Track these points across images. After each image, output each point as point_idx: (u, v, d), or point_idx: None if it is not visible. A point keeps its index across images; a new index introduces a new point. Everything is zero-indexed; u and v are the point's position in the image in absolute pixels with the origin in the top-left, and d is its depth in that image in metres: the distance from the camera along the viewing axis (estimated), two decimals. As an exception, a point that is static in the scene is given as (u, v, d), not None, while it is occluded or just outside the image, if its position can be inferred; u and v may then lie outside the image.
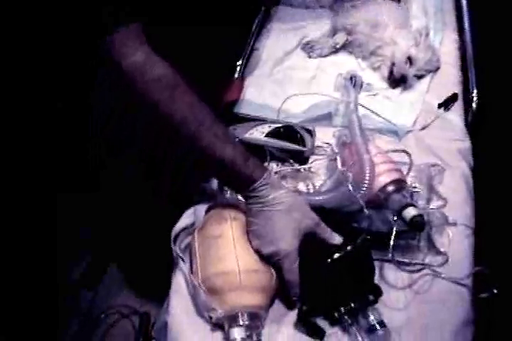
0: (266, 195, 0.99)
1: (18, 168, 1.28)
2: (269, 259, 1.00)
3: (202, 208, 1.11)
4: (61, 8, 0.91)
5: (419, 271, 1.11)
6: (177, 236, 1.11)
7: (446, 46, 1.70)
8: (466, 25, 1.77)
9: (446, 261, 1.11)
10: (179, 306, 1.05)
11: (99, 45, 0.91)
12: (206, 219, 1.09)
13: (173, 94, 0.94)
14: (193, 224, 1.11)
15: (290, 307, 1.05)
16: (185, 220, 1.12)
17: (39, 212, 1.41)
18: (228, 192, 1.15)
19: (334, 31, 1.70)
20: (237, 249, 1.01)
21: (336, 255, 1.00)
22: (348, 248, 1.01)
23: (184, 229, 1.12)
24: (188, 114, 0.95)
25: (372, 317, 0.99)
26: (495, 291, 1.07)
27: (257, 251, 1.01)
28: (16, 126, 1.22)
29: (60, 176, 1.39)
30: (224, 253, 1.01)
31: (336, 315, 1.00)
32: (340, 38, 1.66)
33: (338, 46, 1.66)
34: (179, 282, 1.08)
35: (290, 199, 1.00)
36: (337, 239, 1.04)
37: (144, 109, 0.98)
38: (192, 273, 1.05)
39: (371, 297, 1.01)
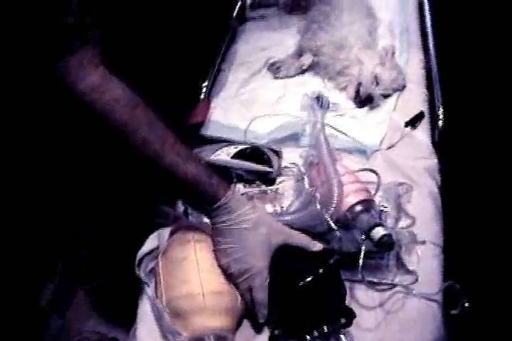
0: (231, 212, 0.99)
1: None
2: (238, 278, 1.00)
3: (165, 232, 1.10)
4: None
5: (389, 289, 1.12)
6: (141, 260, 1.11)
7: (412, 65, 1.73)
8: (431, 44, 1.81)
9: (416, 280, 1.12)
10: (145, 331, 1.05)
11: (53, 69, 0.91)
12: (170, 242, 1.09)
13: (132, 113, 0.94)
14: (157, 248, 1.11)
15: (258, 330, 1.04)
16: (149, 244, 1.11)
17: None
18: (193, 215, 1.16)
19: (300, 52, 1.72)
20: (200, 271, 1.01)
21: (308, 278, 1.00)
22: (320, 270, 1.02)
23: (149, 253, 1.11)
24: (149, 134, 0.95)
25: (344, 340, 0.99)
26: (466, 305, 1.08)
27: (225, 271, 1.01)
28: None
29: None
30: (188, 275, 1.01)
31: (308, 338, 0.99)
32: (307, 59, 1.68)
33: (304, 67, 1.68)
34: (145, 307, 1.08)
35: (256, 215, 1.01)
36: (317, 245, 1.05)
37: (104, 131, 0.97)
38: (156, 297, 1.04)
39: (343, 320, 1.01)
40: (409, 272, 1.14)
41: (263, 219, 1.02)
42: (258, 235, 1.00)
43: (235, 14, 1.92)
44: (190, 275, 1.00)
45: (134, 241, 1.16)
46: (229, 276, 1.01)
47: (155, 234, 1.13)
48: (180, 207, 1.22)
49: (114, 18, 1.05)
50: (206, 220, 1.06)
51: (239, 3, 1.94)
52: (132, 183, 1.32)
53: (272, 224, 1.03)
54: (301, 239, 1.04)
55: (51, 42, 0.90)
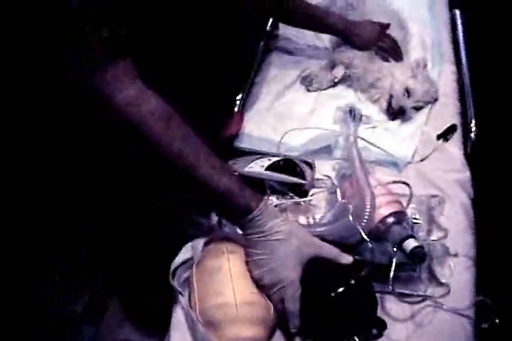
0: (263, 224, 1.01)
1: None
2: (271, 289, 1.02)
3: (199, 242, 1.13)
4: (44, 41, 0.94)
5: (420, 302, 1.13)
6: (176, 270, 1.13)
7: (444, 78, 1.73)
8: (463, 57, 1.82)
9: (448, 292, 1.13)
10: (179, 340, 1.07)
11: (86, 81, 0.94)
12: (204, 253, 1.11)
13: (167, 126, 0.97)
14: (191, 259, 1.13)
15: (290, 340, 1.06)
16: (183, 255, 1.14)
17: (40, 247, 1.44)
18: (227, 226, 1.18)
19: (332, 65, 1.73)
20: (234, 281, 1.02)
21: (340, 289, 1.02)
22: (352, 281, 1.03)
23: (183, 263, 1.14)
24: (184, 146, 0.98)
25: (375, 351, 1.01)
26: (497, 321, 1.08)
27: (258, 282, 1.03)
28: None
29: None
30: (221, 286, 1.03)
31: (340, 349, 1.00)
32: (339, 72, 1.69)
33: (336, 80, 1.69)
34: (179, 316, 1.10)
35: (288, 227, 1.03)
36: (346, 258, 1.05)
37: (139, 144, 1.00)
38: (190, 306, 1.06)
39: (375, 331, 1.02)
40: (440, 284, 1.15)
41: (295, 231, 1.03)
42: (290, 247, 1.01)
43: (268, 28, 1.94)
44: (224, 285, 1.03)
45: (169, 251, 1.19)
46: (261, 287, 1.03)
47: (189, 244, 1.16)
48: (215, 218, 1.24)
49: (148, 30, 1.07)
50: (240, 231, 1.08)
51: (271, 19, 1.96)
52: (165, 193, 1.34)
53: (303, 236, 1.04)
54: (332, 252, 1.05)
55: (86, 54, 0.93)
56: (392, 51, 1.71)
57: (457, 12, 2.01)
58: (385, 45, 1.70)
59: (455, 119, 1.59)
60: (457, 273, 1.17)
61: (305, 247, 1.03)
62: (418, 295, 1.14)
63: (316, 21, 1.70)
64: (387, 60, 1.68)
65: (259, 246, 1.02)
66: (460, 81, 1.74)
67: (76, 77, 0.96)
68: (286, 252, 1.01)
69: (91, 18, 0.92)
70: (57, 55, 0.96)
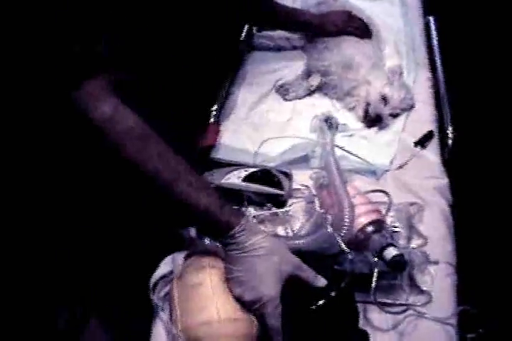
0: (244, 240, 1.00)
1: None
2: (251, 306, 1.01)
3: (180, 256, 1.12)
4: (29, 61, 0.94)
5: (403, 311, 1.13)
6: (156, 285, 1.12)
7: (420, 84, 1.74)
8: (438, 63, 1.82)
9: (430, 300, 1.13)
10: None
11: (66, 97, 0.93)
12: (185, 267, 1.10)
13: (143, 144, 0.97)
14: (171, 273, 1.12)
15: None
16: (163, 268, 1.13)
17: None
18: (207, 239, 1.17)
19: (308, 73, 1.73)
20: (216, 297, 1.01)
21: (321, 301, 1.01)
22: (332, 293, 1.03)
23: (163, 277, 1.12)
24: (161, 164, 0.97)
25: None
26: (481, 331, 1.08)
27: (239, 299, 1.01)
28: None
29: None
30: (204, 302, 1.01)
31: (322, 362, 1.00)
32: (315, 80, 1.70)
33: (312, 88, 1.70)
34: (159, 331, 1.09)
35: (269, 244, 1.02)
36: (321, 281, 1.05)
37: (116, 161, 0.99)
38: (171, 321, 1.05)
39: (358, 342, 1.02)
40: (422, 292, 1.15)
41: (275, 248, 1.03)
42: (270, 263, 1.00)
43: (243, 37, 1.94)
44: (207, 301, 1.01)
45: (147, 265, 1.17)
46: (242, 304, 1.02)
47: (169, 258, 1.15)
48: (193, 230, 1.23)
49: (124, 46, 1.06)
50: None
51: (246, 26, 1.96)
52: (144, 207, 1.33)
53: (283, 253, 1.03)
54: (308, 273, 1.04)
55: (62, 70, 0.93)
56: (363, 31, 1.78)
57: (431, 19, 2.02)
58: (356, 24, 1.78)
59: (432, 126, 1.59)
60: (439, 281, 1.17)
61: (285, 264, 1.02)
62: (400, 304, 1.14)
63: (291, 20, 1.76)
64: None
65: (239, 262, 1.01)
66: (436, 87, 1.75)
67: (59, 94, 0.96)
68: (266, 269, 1.00)
69: (69, 33, 0.92)
70: (37, 70, 0.95)
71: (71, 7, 0.92)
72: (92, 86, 0.94)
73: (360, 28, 1.78)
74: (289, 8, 1.77)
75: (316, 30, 1.78)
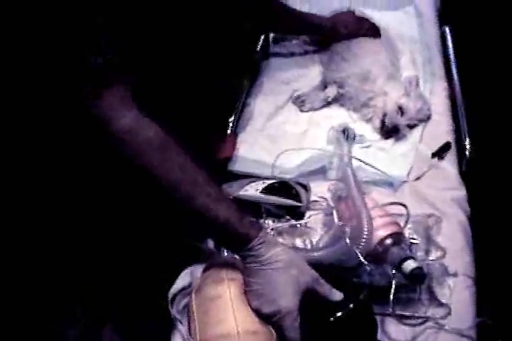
0: (263, 253, 1.01)
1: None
2: (270, 319, 1.01)
3: (198, 268, 1.13)
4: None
5: (421, 324, 1.13)
6: (174, 297, 1.13)
7: (437, 95, 1.74)
8: (455, 74, 1.83)
9: (449, 312, 1.13)
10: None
11: (84, 109, 0.95)
12: (203, 279, 1.11)
13: (164, 155, 0.98)
14: (190, 285, 1.13)
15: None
16: (181, 281, 1.14)
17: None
18: (225, 251, 1.18)
19: (325, 84, 1.74)
20: (235, 310, 1.02)
21: (339, 313, 1.02)
22: (351, 305, 1.03)
23: (181, 290, 1.13)
24: (181, 175, 0.98)
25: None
26: (499, 341, 1.08)
27: (257, 311, 1.02)
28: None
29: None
30: (222, 314, 1.02)
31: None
32: (331, 91, 1.70)
33: (329, 99, 1.70)
34: (178, 345, 1.10)
35: (287, 257, 1.02)
36: (337, 295, 1.05)
37: (136, 172, 1.00)
38: (190, 334, 1.06)
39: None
40: (441, 305, 1.15)
41: (294, 260, 1.03)
42: (288, 277, 1.01)
43: (258, 48, 1.96)
44: (225, 314, 1.02)
45: (166, 277, 1.18)
46: (261, 316, 1.03)
47: (187, 270, 1.16)
48: (212, 242, 1.24)
49: (142, 57, 1.08)
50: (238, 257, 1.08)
51: (262, 38, 1.98)
52: (163, 219, 1.34)
53: (302, 266, 1.04)
54: (325, 287, 1.04)
55: (82, 81, 0.94)
56: (374, 31, 1.84)
57: (447, 29, 2.03)
58: (366, 26, 1.84)
59: (449, 137, 1.59)
60: (457, 293, 1.17)
61: (303, 277, 1.02)
62: (419, 317, 1.14)
63: (302, 23, 1.80)
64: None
65: (257, 275, 1.02)
66: (452, 98, 1.75)
67: (75, 104, 0.97)
68: (284, 281, 1.00)
69: (88, 45, 0.93)
70: (56, 82, 0.96)
71: (88, 16, 0.93)
72: (111, 97, 0.95)
73: (370, 29, 1.83)
74: (299, 11, 1.81)
75: (328, 33, 1.82)
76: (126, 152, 0.97)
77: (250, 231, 1.02)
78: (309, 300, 1.02)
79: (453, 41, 1.97)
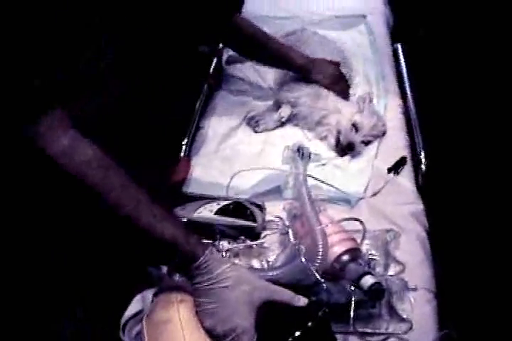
0: (210, 271, 1.00)
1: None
2: (225, 338, 0.99)
3: (149, 294, 1.11)
4: None
5: (384, 340, 1.12)
6: (126, 324, 1.11)
7: (391, 111, 1.77)
8: (408, 89, 1.86)
9: (411, 327, 1.13)
10: None
11: (20, 132, 0.93)
12: (154, 304, 1.09)
13: (104, 176, 0.97)
14: (141, 311, 1.11)
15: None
16: (133, 307, 1.12)
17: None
18: (177, 275, 1.16)
19: (278, 105, 1.76)
20: (185, 333, 1.00)
21: (297, 332, 1.00)
22: (309, 324, 1.02)
23: (134, 316, 1.11)
24: (123, 196, 0.97)
25: None
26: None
27: (211, 332, 1.00)
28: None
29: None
30: (173, 339, 1.00)
31: None
32: (285, 112, 1.72)
33: (283, 119, 1.72)
34: (131, 372, 1.07)
35: (236, 273, 1.01)
36: (301, 300, 1.04)
37: (77, 192, 0.99)
38: None
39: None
40: (402, 320, 1.15)
41: (244, 276, 1.02)
42: (240, 293, 1.00)
43: (211, 70, 1.97)
44: (175, 338, 1.00)
45: (118, 303, 1.16)
46: (215, 337, 1.01)
47: (139, 296, 1.14)
48: (164, 267, 1.22)
49: (84, 78, 1.07)
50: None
51: (215, 60, 2.00)
52: (113, 244, 1.32)
53: (253, 280, 1.03)
54: (285, 295, 1.04)
55: (19, 105, 0.93)
56: (346, 93, 1.76)
57: (399, 46, 2.07)
58: (342, 86, 1.76)
59: (404, 152, 1.62)
60: (418, 307, 1.17)
61: (256, 292, 1.01)
62: (381, 333, 1.13)
63: (275, 55, 1.72)
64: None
65: (207, 294, 1.01)
66: (406, 113, 1.78)
67: (12, 129, 0.95)
68: (236, 299, 0.99)
69: (25, 67, 0.92)
70: None
71: (27, 39, 0.93)
72: (49, 119, 0.94)
73: (343, 91, 1.76)
74: (275, 41, 1.72)
75: (298, 72, 1.76)
76: (66, 174, 0.95)
77: (197, 249, 1.01)
78: (267, 318, 1.01)
79: (405, 58, 2.00)
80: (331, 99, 1.67)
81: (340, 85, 1.76)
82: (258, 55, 1.78)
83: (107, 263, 1.34)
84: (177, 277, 1.14)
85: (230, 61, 2.02)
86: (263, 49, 1.70)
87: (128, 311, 1.11)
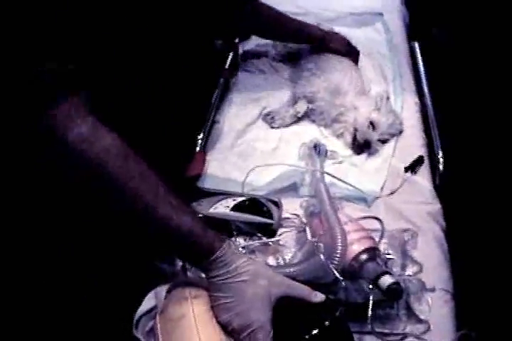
0: (227, 265, 0.99)
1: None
2: (241, 333, 0.98)
3: (162, 290, 1.10)
4: None
5: (401, 340, 1.12)
6: (139, 320, 1.09)
7: (408, 110, 1.76)
8: (425, 87, 1.86)
9: (428, 328, 1.13)
10: None
11: (37, 119, 0.92)
12: (167, 300, 1.07)
13: (124, 164, 0.95)
14: (155, 307, 1.10)
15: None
16: (147, 303, 1.10)
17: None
18: (191, 272, 1.15)
19: (295, 100, 1.75)
20: (199, 328, 0.99)
21: (315, 331, 0.99)
22: (326, 323, 1.01)
23: (148, 312, 1.10)
24: (141, 184, 0.96)
25: None
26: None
27: (227, 327, 0.99)
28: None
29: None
30: (186, 334, 0.99)
31: None
32: (301, 107, 1.70)
33: (299, 115, 1.70)
34: (145, 368, 1.07)
35: (254, 267, 1.00)
36: (319, 296, 1.03)
37: (95, 184, 0.98)
38: None
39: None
40: (420, 321, 1.14)
41: (261, 271, 1.01)
42: (257, 287, 0.99)
43: (227, 65, 1.96)
44: (189, 334, 0.99)
45: (131, 301, 1.15)
46: (231, 332, 1.00)
47: (152, 292, 1.13)
48: (178, 264, 1.22)
49: (103, 65, 1.06)
50: (203, 275, 1.05)
51: (230, 55, 1.99)
52: (127, 240, 1.31)
53: (271, 275, 1.02)
54: (302, 290, 1.03)
55: (35, 90, 0.91)
56: (356, 61, 1.89)
57: (416, 44, 2.06)
58: (354, 56, 1.89)
59: (422, 151, 1.61)
60: (436, 308, 1.17)
61: (273, 287, 1.00)
62: (398, 334, 1.13)
63: (293, 33, 1.82)
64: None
65: (224, 289, 0.99)
66: (424, 112, 1.77)
67: (27, 118, 0.94)
68: (253, 294, 0.98)
69: (40, 50, 0.91)
70: (5, 94, 0.94)
71: (43, 21, 0.91)
72: (67, 106, 0.92)
73: (355, 59, 1.88)
74: (289, 17, 1.78)
75: (318, 44, 1.84)
76: (85, 161, 0.93)
77: (214, 242, 1.00)
78: (284, 316, 1.00)
79: (422, 56, 1.99)
80: (349, 96, 1.65)
81: (354, 53, 1.88)
82: (277, 35, 1.89)
83: (120, 259, 1.33)
84: (191, 273, 1.14)
85: (246, 56, 2.01)
86: (281, 29, 1.81)
87: (142, 307, 1.10)
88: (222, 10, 1.47)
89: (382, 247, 1.22)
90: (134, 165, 0.97)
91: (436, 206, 1.44)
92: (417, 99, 1.81)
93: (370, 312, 1.06)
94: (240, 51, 2.03)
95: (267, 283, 1.00)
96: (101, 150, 0.94)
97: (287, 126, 1.72)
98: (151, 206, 0.97)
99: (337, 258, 1.10)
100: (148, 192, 0.96)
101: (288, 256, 1.26)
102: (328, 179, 1.38)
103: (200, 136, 1.67)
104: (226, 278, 0.99)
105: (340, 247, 1.11)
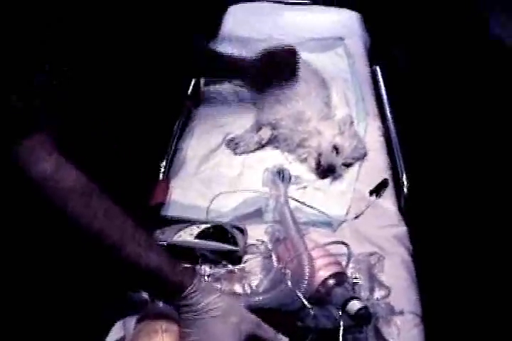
0: (198, 301, 0.98)
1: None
2: None
3: (131, 320, 1.08)
4: None
5: (371, 365, 1.11)
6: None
7: (371, 133, 1.77)
8: (388, 111, 1.88)
9: (398, 352, 1.11)
10: None
11: (4, 154, 0.91)
12: (136, 332, 1.06)
13: (88, 203, 0.94)
14: (123, 339, 1.08)
15: None
16: (114, 334, 1.09)
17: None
18: (160, 301, 1.13)
19: (258, 127, 1.75)
20: None
21: None
22: None
23: (114, 343, 1.08)
24: (106, 224, 0.95)
25: None
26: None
27: None
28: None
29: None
30: None
31: None
32: (265, 134, 1.71)
33: (263, 141, 1.71)
34: None
35: (224, 304, 1.00)
36: (282, 340, 1.02)
37: (59, 221, 0.97)
38: None
39: None
40: (389, 344, 1.14)
41: (232, 307, 1.01)
42: (227, 324, 0.98)
43: (189, 92, 1.96)
44: None
45: (98, 329, 1.13)
46: None
47: (120, 322, 1.11)
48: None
49: (65, 100, 1.06)
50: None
51: (193, 81, 1.99)
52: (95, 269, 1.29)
53: (241, 312, 1.02)
54: (268, 333, 1.03)
55: (2, 125, 0.90)
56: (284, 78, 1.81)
57: (377, 68, 2.10)
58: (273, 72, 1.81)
59: (386, 174, 1.62)
60: (405, 331, 1.16)
61: (244, 324, 1.00)
62: (368, 359, 1.12)
63: (230, 68, 1.82)
64: None
65: (194, 324, 0.98)
66: (387, 135, 1.79)
67: None
68: (223, 330, 0.98)
69: (5, 88, 0.90)
70: None
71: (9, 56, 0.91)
72: (32, 142, 0.92)
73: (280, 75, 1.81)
74: (225, 55, 1.79)
75: (254, 74, 1.81)
76: (47, 199, 0.93)
77: (184, 278, 0.99)
78: None
79: (384, 79, 2.02)
80: (312, 122, 1.66)
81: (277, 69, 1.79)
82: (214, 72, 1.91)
83: (87, 286, 1.30)
84: (160, 303, 1.12)
85: (209, 82, 2.01)
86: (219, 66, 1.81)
87: (108, 338, 1.08)
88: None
89: (349, 272, 1.22)
90: (99, 204, 0.96)
91: (402, 229, 1.45)
92: (380, 123, 1.83)
93: (340, 338, 1.05)
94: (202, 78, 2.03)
95: (237, 320, 0.99)
96: (64, 189, 0.93)
97: (251, 152, 1.72)
98: (118, 244, 0.96)
99: (304, 285, 1.10)
100: (114, 231, 0.95)
101: (254, 283, 1.25)
102: (293, 204, 1.38)
103: (163, 164, 1.66)
104: (196, 314, 0.99)
105: (307, 273, 1.11)
